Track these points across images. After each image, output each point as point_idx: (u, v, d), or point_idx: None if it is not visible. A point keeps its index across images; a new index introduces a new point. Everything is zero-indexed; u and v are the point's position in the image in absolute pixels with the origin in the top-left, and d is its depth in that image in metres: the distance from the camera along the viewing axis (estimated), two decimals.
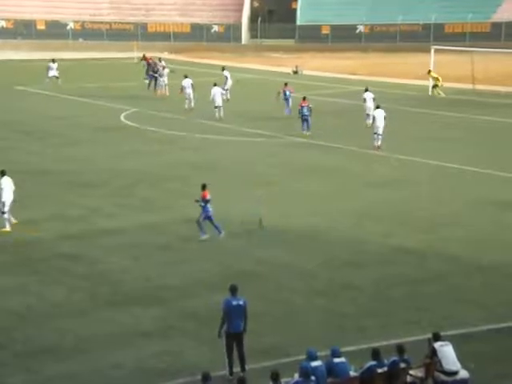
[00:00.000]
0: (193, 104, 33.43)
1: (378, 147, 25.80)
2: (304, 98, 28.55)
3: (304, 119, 28.15)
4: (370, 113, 27.98)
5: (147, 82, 39.21)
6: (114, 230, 17.53)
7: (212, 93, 31.32)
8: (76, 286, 14.46)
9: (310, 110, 28.10)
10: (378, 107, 26.86)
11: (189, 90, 33.40)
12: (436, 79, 38.08)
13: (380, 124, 25.89)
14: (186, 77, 34.05)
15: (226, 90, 35.15)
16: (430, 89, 38.03)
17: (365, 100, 29.56)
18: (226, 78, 36.07)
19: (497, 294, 14.17)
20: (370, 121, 27.56)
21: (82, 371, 11.46)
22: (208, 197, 16.76)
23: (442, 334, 11.01)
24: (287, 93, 32.11)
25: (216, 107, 31.13)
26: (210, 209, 16.72)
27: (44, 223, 18.02)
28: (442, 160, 24.35)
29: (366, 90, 30.04)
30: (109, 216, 18.62)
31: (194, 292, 14.16)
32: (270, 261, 15.75)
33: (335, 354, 10.35)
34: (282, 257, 15.98)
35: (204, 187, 16.91)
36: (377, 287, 14.42)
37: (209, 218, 16.74)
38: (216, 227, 16.81)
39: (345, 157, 25.32)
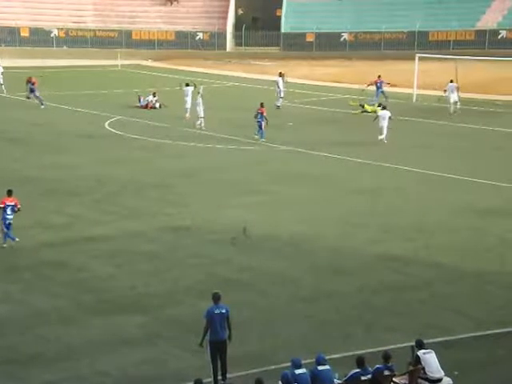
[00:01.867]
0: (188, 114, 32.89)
1: (382, 140, 28.30)
2: (262, 105, 29.41)
3: (259, 125, 28.95)
4: (384, 130, 28.60)
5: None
6: (99, 238, 17.53)
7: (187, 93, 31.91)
8: (60, 293, 14.45)
9: (265, 117, 29.11)
10: (384, 108, 29.48)
11: (188, 99, 32.96)
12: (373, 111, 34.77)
13: (384, 124, 28.40)
14: (187, 85, 33.72)
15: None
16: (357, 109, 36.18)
17: (377, 117, 29.11)
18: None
19: (480, 302, 14.33)
20: (383, 136, 28.63)
21: (66, 379, 11.46)
22: (7, 203, 16.53)
23: (425, 341, 11.14)
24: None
25: (200, 117, 30.99)
26: (9, 216, 16.48)
27: (28, 230, 17.96)
28: (425, 168, 24.59)
29: (384, 108, 29.62)
30: (93, 223, 18.61)
31: (178, 300, 14.21)
32: (254, 268, 15.83)
33: (319, 361, 10.43)
34: (267, 264, 16.06)
35: (9, 193, 16.74)
36: (361, 294, 14.54)
37: (6, 225, 16.51)
38: (8, 236, 16.59)
39: (330, 164, 25.49)
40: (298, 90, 38.73)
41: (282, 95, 37.00)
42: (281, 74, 37.59)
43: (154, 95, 37.02)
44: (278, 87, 37.05)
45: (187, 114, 32.88)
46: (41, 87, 40.72)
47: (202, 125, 30.88)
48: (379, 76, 40.40)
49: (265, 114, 29.18)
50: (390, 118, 28.78)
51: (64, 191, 21.50)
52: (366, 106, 36.31)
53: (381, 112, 29.20)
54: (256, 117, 29.07)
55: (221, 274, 15.36)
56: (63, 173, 23.72)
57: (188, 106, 32.95)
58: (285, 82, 38.66)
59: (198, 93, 31.56)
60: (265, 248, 17.05)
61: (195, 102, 31.26)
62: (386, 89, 38.81)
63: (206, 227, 18.46)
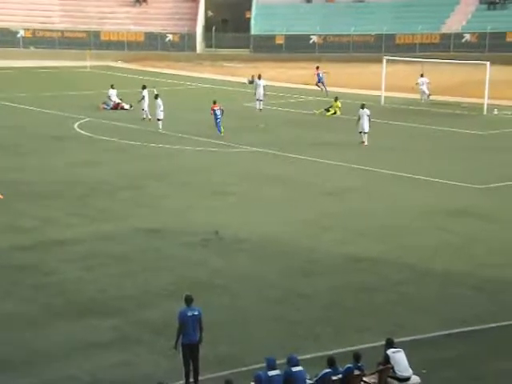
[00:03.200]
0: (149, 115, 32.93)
1: (363, 142, 28.38)
2: (214, 102, 30.37)
3: (217, 121, 29.84)
4: (365, 130, 28.56)
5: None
6: (68, 241, 17.36)
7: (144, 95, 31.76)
8: (28, 297, 14.27)
9: (222, 112, 29.83)
10: (362, 107, 29.00)
11: (145, 101, 33.02)
12: (338, 108, 36.09)
13: (364, 122, 28.40)
14: (143, 87, 33.78)
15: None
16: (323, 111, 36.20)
17: (360, 117, 28.64)
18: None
19: (449, 301, 14.52)
20: (364, 139, 28.59)
21: None
22: None
23: (395, 340, 11.27)
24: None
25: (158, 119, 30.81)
26: None
27: None
28: (395, 169, 24.84)
29: (363, 107, 28.98)
30: (63, 226, 18.42)
31: (150, 302, 14.14)
32: (226, 270, 15.83)
33: (293, 362, 10.45)
34: (238, 266, 16.08)
35: None
36: (331, 295, 14.64)
37: None
38: None
39: (301, 166, 25.60)
40: (269, 92, 38.78)
41: (262, 98, 36.84)
42: (260, 77, 37.56)
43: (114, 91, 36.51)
44: (259, 89, 36.80)
45: (145, 116, 33.03)
46: (7, 88, 40.23)
47: (160, 127, 30.72)
48: (317, 67, 43.67)
49: (222, 108, 30.04)
50: (368, 116, 28.64)
51: (33, 194, 21.24)
52: (332, 107, 36.44)
53: (361, 111, 28.87)
54: (214, 115, 29.91)
55: (193, 276, 15.33)
56: (32, 175, 23.43)
57: (145, 107, 33.10)
58: (255, 84, 38.71)
59: (157, 95, 31.39)
60: (236, 250, 17.07)
61: (156, 104, 31.08)
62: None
63: (178, 229, 18.41)
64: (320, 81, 42.90)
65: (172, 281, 15.09)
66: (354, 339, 12.56)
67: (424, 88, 40.72)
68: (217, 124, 29.96)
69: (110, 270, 15.72)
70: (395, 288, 15.10)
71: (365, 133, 28.57)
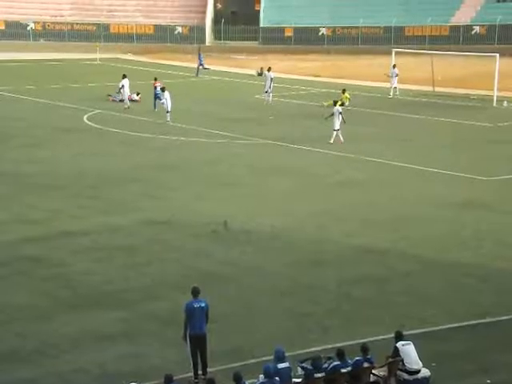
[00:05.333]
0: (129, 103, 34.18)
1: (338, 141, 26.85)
2: (155, 79, 33.21)
3: (157, 97, 31.98)
4: (337, 127, 27.01)
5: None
6: (77, 232, 17.29)
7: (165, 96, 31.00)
8: (38, 289, 14.22)
9: (162, 89, 31.18)
10: (335, 103, 27.61)
11: (125, 89, 34.35)
12: (347, 99, 35.23)
13: (336, 120, 26.88)
14: (124, 76, 34.65)
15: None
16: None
17: (334, 114, 27.45)
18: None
19: (458, 293, 14.36)
20: (336, 138, 27.01)
21: (44, 376, 11.25)
22: None
23: (404, 333, 11.12)
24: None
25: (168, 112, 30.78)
26: None
27: (5, 226, 17.69)
28: (404, 161, 24.63)
29: (336, 104, 27.97)
30: (72, 218, 18.36)
31: (157, 294, 14.05)
32: (234, 262, 15.72)
33: (280, 357, 10.07)
34: (247, 258, 15.96)
35: None
36: (340, 287, 14.50)
37: None
38: None
39: (310, 158, 25.43)
40: (278, 84, 38.59)
41: (271, 90, 36.70)
42: (269, 69, 37.40)
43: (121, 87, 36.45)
44: (267, 82, 36.67)
45: (127, 106, 34.00)
46: (17, 81, 40.21)
47: (168, 119, 30.62)
48: (199, 49, 48.67)
49: (159, 85, 32.30)
50: (340, 114, 26.71)
51: (42, 186, 21.19)
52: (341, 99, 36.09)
53: (336, 107, 27.11)
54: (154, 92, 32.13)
55: (201, 268, 15.22)
56: (41, 167, 23.38)
57: (126, 96, 34.37)
58: (264, 77, 38.55)
59: (163, 88, 31.28)
60: (245, 241, 16.94)
61: (163, 97, 31.01)
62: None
63: (187, 220, 18.31)
64: (201, 61, 47.43)
65: (180, 272, 14.99)
66: (362, 331, 12.43)
67: (394, 81, 38.51)
68: (155, 100, 32.40)
69: (118, 262, 15.64)
70: (404, 279, 14.95)
71: (336, 130, 26.71)
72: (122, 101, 35.06)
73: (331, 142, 26.77)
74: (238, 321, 13.01)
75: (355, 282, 14.73)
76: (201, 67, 47.93)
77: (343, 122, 26.93)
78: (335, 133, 26.93)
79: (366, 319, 13.12)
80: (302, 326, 12.88)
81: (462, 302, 13.95)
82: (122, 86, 34.49)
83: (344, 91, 36.21)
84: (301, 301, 13.86)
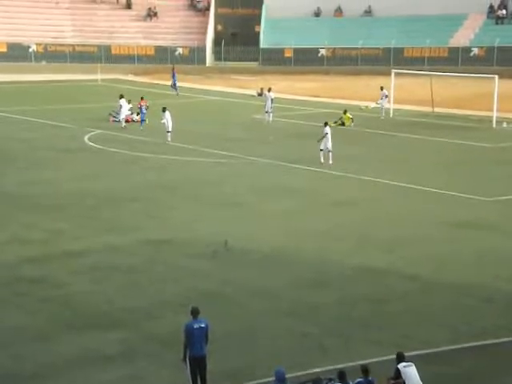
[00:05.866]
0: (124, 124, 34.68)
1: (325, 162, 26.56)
2: (142, 98, 34.39)
3: (142, 117, 33.77)
4: (329, 147, 26.66)
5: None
6: (78, 253, 17.23)
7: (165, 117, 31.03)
8: (37, 310, 14.13)
9: (146, 108, 32.92)
10: (326, 124, 27.15)
11: (123, 110, 34.95)
12: (348, 119, 35.97)
13: (329, 141, 26.61)
14: (121, 97, 35.23)
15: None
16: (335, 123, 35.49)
17: (326, 135, 27.06)
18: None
19: (459, 314, 14.26)
20: (329, 160, 26.78)
21: None
22: None
23: (405, 354, 11.02)
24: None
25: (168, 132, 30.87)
26: None
27: (4, 246, 17.63)
28: (402, 181, 24.64)
29: (326, 125, 27.52)
30: (72, 238, 18.31)
31: (157, 314, 13.96)
32: (235, 282, 15.65)
33: (280, 378, 10.02)
34: (247, 277, 15.89)
35: None
36: (340, 307, 14.42)
37: None
38: None
39: (309, 177, 25.44)
40: (278, 104, 38.73)
41: (271, 110, 36.85)
42: (270, 90, 37.62)
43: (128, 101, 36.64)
44: (268, 102, 36.88)
45: (123, 126, 34.56)
46: (19, 102, 40.35)
47: (169, 139, 30.70)
48: (173, 67, 49.42)
49: (148, 105, 34.07)
50: (326, 134, 26.40)
51: (43, 206, 21.17)
52: (341, 119, 36.27)
53: (327, 128, 26.80)
54: (139, 110, 33.80)
55: (201, 288, 15.15)
56: (42, 188, 23.37)
57: (122, 116, 34.92)
58: (264, 97, 38.73)
59: (164, 108, 31.35)
60: (245, 261, 16.88)
61: (163, 117, 31.11)
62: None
63: (187, 240, 18.26)
64: (174, 79, 48.38)
65: (180, 292, 14.91)
66: (363, 352, 12.33)
67: (383, 102, 38.34)
68: (141, 119, 34.09)
69: (117, 282, 15.57)
70: (404, 299, 14.86)
71: (329, 151, 26.52)
72: (119, 120, 35.11)
73: (322, 161, 26.71)
74: (239, 341, 12.91)
75: (355, 301, 14.65)
76: (173, 86, 48.65)
77: (327, 142, 26.55)
78: (330, 154, 26.72)
79: (367, 340, 13.02)
80: (303, 346, 12.78)
81: (463, 322, 13.85)
82: (120, 105, 34.74)
83: (345, 112, 36.36)
84: (301, 321, 13.77)
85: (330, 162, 26.59)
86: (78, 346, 12.65)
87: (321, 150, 26.77)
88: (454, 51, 59.29)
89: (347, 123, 36.09)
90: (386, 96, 38.84)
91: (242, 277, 15.91)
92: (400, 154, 29.66)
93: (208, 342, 11.03)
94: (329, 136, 26.68)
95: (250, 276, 15.98)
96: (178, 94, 47.12)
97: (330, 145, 26.67)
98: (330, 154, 26.70)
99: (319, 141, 26.99)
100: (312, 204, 21.85)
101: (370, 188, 23.95)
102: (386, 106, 38.84)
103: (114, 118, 36.38)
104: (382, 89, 38.98)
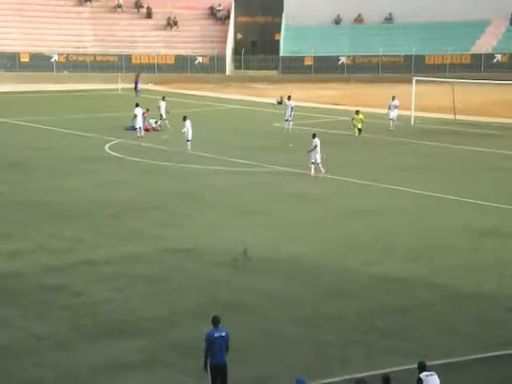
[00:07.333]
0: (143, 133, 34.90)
1: (316, 176, 25.94)
2: (147, 110, 35.75)
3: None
4: (317, 159, 26.16)
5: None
6: (99, 261, 17.40)
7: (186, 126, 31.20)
8: (59, 318, 14.28)
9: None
10: (314, 136, 26.47)
11: (138, 119, 35.10)
12: (360, 120, 35.69)
13: (317, 153, 25.99)
14: (137, 105, 35.60)
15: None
16: (356, 130, 35.60)
17: (315, 147, 26.42)
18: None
19: (482, 323, 14.18)
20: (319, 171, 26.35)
21: None
22: None
23: (427, 363, 10.99)
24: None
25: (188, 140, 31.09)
26: None
27: (27, 255, 17.85)
28: (424, 189, 24.54)
29: (315, 136, 26.72)
30: (93, 247, 18.49)
31: (178, 323, 14.05)
32: (255, 290, 15.69)
33: None
34: (268, 286, 15.92)
35: None
36: (361, 316, 14.39)
37: None
38: None
39: (330, 186, 25.43)
40: (297, 113, 38.78)
41: (291, 118, 36.97)
42: (289, 98, 37.71)
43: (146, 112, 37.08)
44: (287, 110, 37.00)
45: (139, 134, 34.71)
46: (41, 111, 40.79)
47: (189, 147, 30.88)
48: (137, 75, 53.63)
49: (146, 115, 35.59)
50: (316, 146, 25.80)
51: (64, 215, 21.40)
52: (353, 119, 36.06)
53: (314, 140, 26.12)
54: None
55: (221, 297, 15.22)
56: (63, 196, 23.63)
57: (140, 125, 35.08)
58: (284, 105, 38.85)
59: (185, 117, 31.53)
60: (265, 270, 16.92)
61: (184, 125, 31.31)
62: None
63: (206, 249, 18.35)
64: (137, 87, 52.37)
65: (200, 301, 14.99)
66: (384, 361, 12.31)
67: (393, 113, 37.15)
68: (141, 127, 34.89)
69: (138, 291, 15.69)
70: (427, 309, 14.80)
71: (318, 164, 25.97)
72: (135, 129, 35.33)
73: (311, 173, 26.18)
74: (259, 350, 12.95)
75: (376, 311, 14.62)
76: (136, 89, 52.22)
77: (320, 155, 26.09)
78: (320, 165, 26.09)
79: (388, 349, 12.99)
80: (323, 355, 12.78)
81: (487, 332, 13.76)
82: (135, 115, 34.84)
83: (358, 112, 36.18)
84: (322, 330, 13.78)
85: (322, 171, 26.06)
86: (99, 354, 12.78)
87: (312, 163, 26.18)
88: (476, 58, 59.00)
89: (358, 124, 35.56)
90: (396, 106, 37.48)
91: (263, 285, 15.95)
92: (420, 162, 29.53)
93: (228, 350, 11.09)
94: (318, 149, 26.00)
95: (271, 285, 16.01)
96: (137, 96, 50.16)
97: (318, 157, 26.04)
98: (320, 166, 26.08)
99: (309, 152, 26.49)
100: (332, 212, 21.85)
101: (390, 196, 23.88)
102: (395, 116, 37.40)
103: (130, 128, 36.36)
104: (393, 98, 37.74)
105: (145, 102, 38.27)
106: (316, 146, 26.18)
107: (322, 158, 26.19)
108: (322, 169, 26.26)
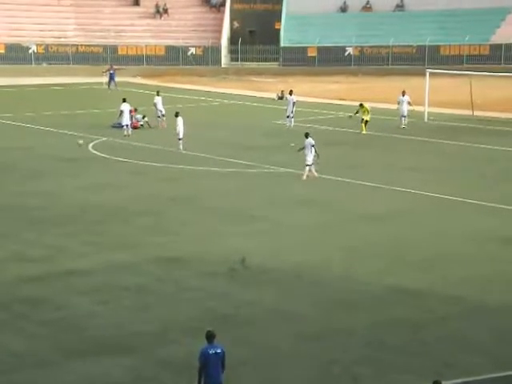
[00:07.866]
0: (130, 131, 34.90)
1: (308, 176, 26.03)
2: (135, 109, 36.40)
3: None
4: (309, 161, 26.13)
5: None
6: (82, 271, 17.40)
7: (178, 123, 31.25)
8: (37, 334, 14.28)
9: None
10: (307, 136, 26.42)
11: (125, 115, 35.09)
12: (366, 111, 35.74)
13: (308, 154, 25.96)
14: (124, 100, 35.46)
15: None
16: (363, 126, 35.59)
17: (306, 147, 26.23)
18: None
19: (503, 339, 14.20)
20: (310, 174, 26.29)
21: None
22: None
23: (443, 382, 10.99)
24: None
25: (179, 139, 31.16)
26: None
27: (2, 264, 17.85)
28: (440, 192, 24.57)
29: (308, 136, 26.65)
30: (76, 255, 18.50)
31: (170, 339, 14.06)
32: (254, 303, 15.70)
33: None
34: (268, 298, 15.94)
35: None
36: (371, 331, 14.40)
37: None
38: None
39: (336, 188, 25.48)
40: (300, 108, 38.87)
41: (293, 115, 37.13)
42: (291, 92, 37.84)
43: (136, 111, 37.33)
44: (289, 106, 37.22)
45: (126, 133, 34.75)
46: (18, 108, 40.83)
47: (181, 147, 30.94)
48: (111, 65, 55.11)
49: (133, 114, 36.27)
50: (313, 146, 25.85)
51: (44, 220, 21.41)
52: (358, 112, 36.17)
53: (306, 141, 26.13)
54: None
55: (217, 310, 15.23)
56: (44, 200, 23.66)
57: (127, 122, 35.09)
58: (285, 100, 38.95)
59: (177, 113, 31.57)
60: (265, 280, 16.94)
61: (176, 122, 31.38)
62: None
63: (201, 258, 18.36)
64: (112, 79, 53.35)
65: (194, 315, 15.00)
66: (397, 381, 12.32)
67: (404, 108, 36.90)
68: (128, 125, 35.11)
69: (126, 303, 15.70)
70: (443, 323, 14.81)
71: (308, 165, 25.90)
72: (121, 126, 35.36)
73: (304, 178, 26.07)
74: (258, 368, 12.95)
75: (388, 325, 14.63)
76: (110, 83, 53.55)
77: (317, 156, 26.06)
78: (307, 168, 26.06)
79: (401, 367, 13.00)
80: (329, 374, 12.79)
81: (507, 348, 13.77)
82: (121, 111, 34.92)
83: (362, 105, 36.10)
84: (327, 346, 13.79)
85: (315, 174, 26.02)
86: (82, 373, 12.77)
87: (307, 165, 26.05)
88: (496, 48, 59.15)
89: (364, 116, 35.59)
90: (409, 102, 37.24)
91: (262, 297, 15.96)
92: (435, 162, 29.59)
93: (224, 368, 11.09)
94: (312, 149, 25.87)
95: (271, 296, 16.02)
96: (110, 89, 52.61)
97: (309, 159, 25.98)
98: (312, 167, 26.06)
99: (299, 151, 26.59)
100: (338, 217, 21.87)
101: (402, 200, 23.91)
102: (405, 113, 37.19)
103: (116, 125, 36.38)
104: (403, 94, 37.52)
105: (131, 97, 38.27)
106: (307, 147, 26.00)
107: (314, 159, 26.12)
108: (314, 172, 26.08)
